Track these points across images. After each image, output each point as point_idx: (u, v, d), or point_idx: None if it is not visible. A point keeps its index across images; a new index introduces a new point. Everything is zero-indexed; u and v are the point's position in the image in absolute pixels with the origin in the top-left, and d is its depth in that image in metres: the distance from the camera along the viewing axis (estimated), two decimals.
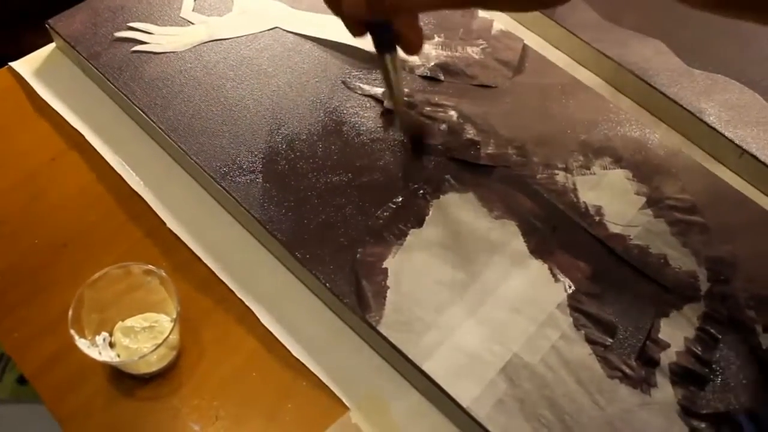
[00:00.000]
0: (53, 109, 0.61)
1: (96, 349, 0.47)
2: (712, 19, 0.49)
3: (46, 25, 0.62)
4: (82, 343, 0.46)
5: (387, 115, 0.58)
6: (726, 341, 0.50)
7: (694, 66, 0.65)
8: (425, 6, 0.46)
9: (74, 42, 0.61)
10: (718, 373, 0.48)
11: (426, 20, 0.66)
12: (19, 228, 0.55)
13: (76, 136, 0.59)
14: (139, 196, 0.56)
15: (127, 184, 0.57)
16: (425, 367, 0.47)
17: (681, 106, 0.62)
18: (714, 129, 0.61)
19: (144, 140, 0.59)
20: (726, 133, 0.60)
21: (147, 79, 0.59)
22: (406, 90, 0.60)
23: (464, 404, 0.46)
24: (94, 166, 0.58)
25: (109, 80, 0.59)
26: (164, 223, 0.55)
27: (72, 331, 0.45)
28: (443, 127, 0.58)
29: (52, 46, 0.65)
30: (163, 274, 0.48)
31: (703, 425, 0.46)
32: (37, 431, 0.92)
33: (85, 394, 0.48)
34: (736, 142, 0.60)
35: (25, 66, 0.63)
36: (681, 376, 0.48)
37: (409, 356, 0.47)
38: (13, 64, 0.63)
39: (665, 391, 0.48)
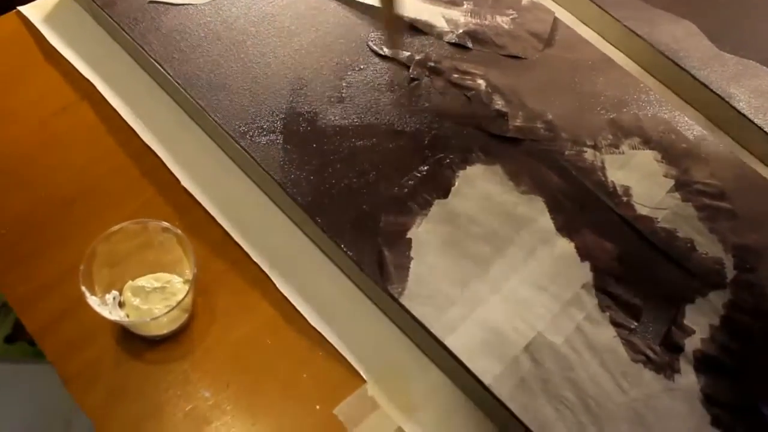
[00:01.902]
0: (63, 57, 0.58)
1: (106, 308, 0.45)
2: (744, 2, 0.48)
3: None
4: (93, 301, 0.44)
5: (413, 81, 0.56)
6: (751, 330, 0.49)
7: (725, 50, 0.63)
8: None
9: None
10: (742, 362, 0.47)
11: None
12: (28, 179, 0.52)
13: (87, 87, 0.57)
14: (152, 152, 0.54)
15: (140, 139, 0.54)
16: (448, 342, 0.45)
17: (710, 89, 0.61)
18: (743, 115, 0.59)
19: (158, 94, 0.57)
20: (756, 120, 0.59)
21: (164, 30, 0.56)
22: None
23: (486, 381, 0.44)
24: (106, 118, 0.55)
25: (124, 30, 0.56)
26: (178, 181, 0.53)
27: (83, 287, 0.43)
28: (471, 94, 0.56)
29: None
30: (180, 232, 0.46)
31: (725, 414, 0.45)
32: (24, 392, 0.90)
33: (93, 353, 0.46)
34: (765, 129, 0.59)
35: (34, 11, 0.60)
36: (705, 363, 0.47)
37: (432, 330, 0.46)
38: (21, 8, 0.60)
39: (689, 377, 0.47)
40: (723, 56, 0.63)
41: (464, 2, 0.62)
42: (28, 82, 0.57)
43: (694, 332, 0.48)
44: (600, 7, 0.64)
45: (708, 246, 0.52)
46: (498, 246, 0.50)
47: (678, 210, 0.54)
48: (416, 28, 0.60)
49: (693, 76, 0.61)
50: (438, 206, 0.51)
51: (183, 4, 0.58)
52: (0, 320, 0.98)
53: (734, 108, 0.60)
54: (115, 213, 0.50)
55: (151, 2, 0.58)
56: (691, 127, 0.58)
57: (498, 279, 0.48)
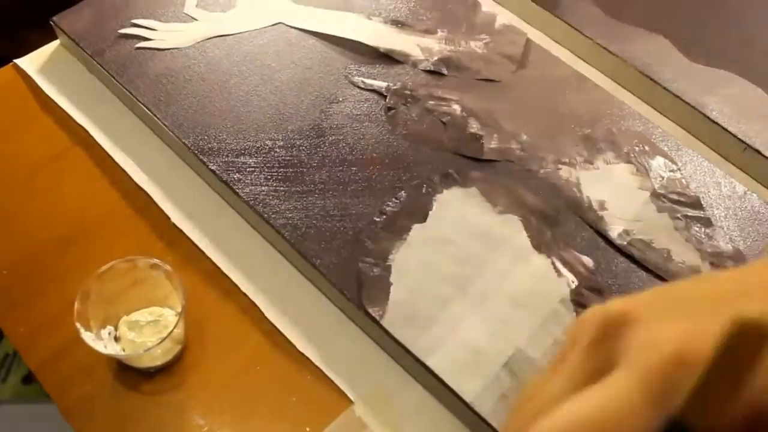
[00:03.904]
0: (58, 105, 0.61)
1: (101, 342, 0.47)
2: (714, 14, 0.49)
3: (51, 22, 0.62)
4: (87, 336, 0.46)
5: (390, 110, 0.59)
6: None
7: (697, 61, 0.65)
8: None
9: (79, 39, 0.61)
10: None
11: (429, 15, 0.66)
12: (25, 223, 0.55)
13: (80, 132, 0.59)
14: (144, 192, 0.56)
15: (132, 180, 0.57)
16: (429, 363, 0.47)
17: (684, 101, 0.62)
18: (717, 124, 0.61)
19: (148, 136, 0.59)
20: (729, 128, 0.60)
21: (151, 75, 0.59)
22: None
23: (467, 399, 0.46)
24: (99, 161, 0.58)
25: (113, 77, 0.59)
26: (169, 218, 0.55)
27: (78, 324, 0.45)
28: (447, 119, 0.58)
29: (56, 43, 0.65)
30: (169, 268, 0.48)
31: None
32: (40, 430, 0.92)
33: (91, 387, 0.48)
34: (740, 136, 0.60)
35: (29, 63, 0.64)
36: None
37: (413, 351, 0.47)
38: (17, 60, 0.64)
39: None
40: (695, 67, 0.64)
41: (438, 30, 0.64)
42: (24, 129, 0.60)
43: None
44: (571, 26, 0.66)
45: (685, 255, 0.53)
46: (476, 266, 0.51)
47: (654, 221, 0.55)
48: (392, 57, 0.62)
49: (666, 89, 0.63)
50: (416, 230, 0.52)
51: (168, 49, 0.61)
52: (18, 362, 1.01)
53: (708, 117, 0.61)
54: (110, 251, 0.53)
55: (138, 48, 0.61)
56: (665, 138, 0.60)
57: (476, 298, 0.50)
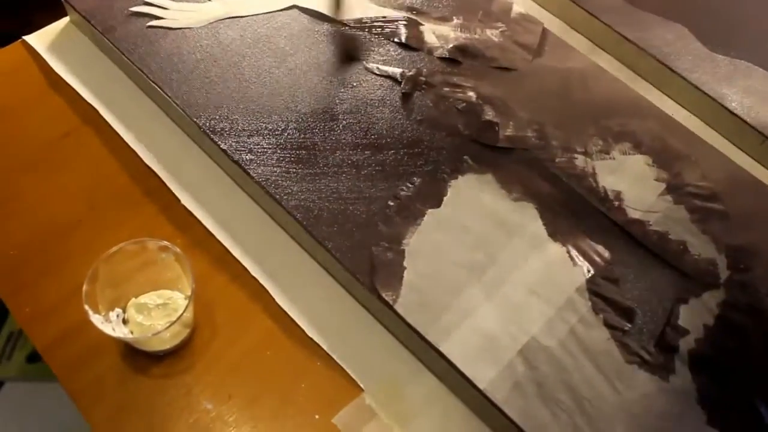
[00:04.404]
0: (67, 83, 0.60)
1: (109, 325, 0.47)
2: (735, 3, 0.49)
3: None
4: (96, 319, 0.45)
5: (405, 95, 0.58)
6: (746, 329, 0.49)
7: (716, 51, 0.64)
8: None
9: (89, 16, 0.60)
10: (737, 361, 0.48)
11: (445, 2, 0.65)
12: (33, 203, 0.54)
13: (90, 112, 0.59)
14: (154, 173, 0.55)
15: (142, 161, 0.56)
16: (442, 348, 0.46)
17: (702, 91, 0.61)
18: (736, 115, 0.60)
19: (158, 116, 0.59)
20: (748, 120, 0.60)
21: (163, 54, 0.58)
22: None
23: (481, 386, 0.45)
24: (108, 141, 0.57)
25: (124, 55, 0.58)
26: (178, 200, 0.54)
27: (86, 306, 0.45)
28: (462, 106, 0.57)
29: (66, 20, 0.64)
30: (178, 250, 0.47)
31: (722, 413, 0.46)
32: (44, 409, 0.92)
33: (98, 370, 0.48)
34: (758, 128, 0.59)
35: (38, 40, 0.63)
36: (700, 363, 0.48)
37: (427, 337, 0.47)
38: (26, 37, 0.63)
39: (684, 377, 0.47)
40: (714, 57, 0.64)
41: (454, 18, 0.64)
42: (33, 108, 0.59)
43: (688, 332, 0.49)
44: (589, 12, 0.65)
45: (701, 247, 0.53)
46: (490, 253, 0.51)
47: (670, 213, 0.54)
48: (407, 44, 0.61)
49: (684, 78, 0.62)
50: (431, 216, 0.52)
51: (180, 28, 0.60)
52: (22, 341, 1.00)
53: (726, 108, 0.60)
54: (119, 233, 0.52)
55: (149, 27, 0.60)
56: (682, 129, 0.59)
57: (491, 285, 0.49)
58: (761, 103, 0.60)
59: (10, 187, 0.55)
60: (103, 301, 0.47)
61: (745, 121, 0.60)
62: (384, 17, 0.62)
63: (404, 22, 0.62)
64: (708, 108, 0.61)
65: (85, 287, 0.45)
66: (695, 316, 0.49)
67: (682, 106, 0.63)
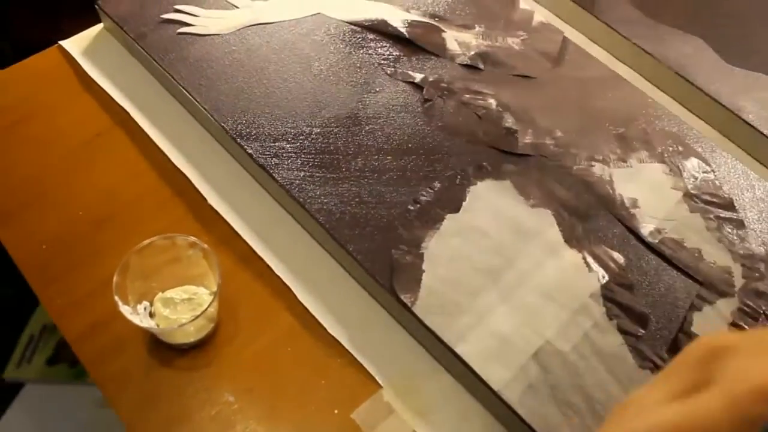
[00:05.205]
0: (100, 86, 0.62)
1: (138, 317, 0.48)
2: (752, 16, 0.49)
3: (96, 6, 0.64)
4: (125, 309, 0.47)
5: (426, 101, 0.59)
6: None
7: (733, 64, 0.64)
8: None
9: (122, 22, 0.62)
10: None
11: (468, 10, 0.66)
12: (65, 199, 0.56)
13: (121, 114, 0.61)
14: (182, 173, 0.57)
15: (170, 161, 0.58)
16: (458, 350, 0.47)
17: (720, 103, 0.62)
18: (753, 127, 0.61)
19: (187, 119, 0.60)
20: (765, 131, 0.60)
21: (192, 60, 0.60)
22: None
23: (495, 387, 0.46)
24: (139, 142, 0.59)
25: (155, 60, 0.60)
26: (205, 200, 0.56)
27: (116, 297, 0.47)
28: (482, 113, 0.59)
29: (99, 26, 0.66)
30: (206, 247, 0.49)
31: None
32: (64, 411, 0.94)
33: (125, 361, 0.49)
34: None
35: (73, 45, 0.65)
36: None
37: (443, 338, 0.48)
38: (62, 42, 0.65)
39: None
40: (732, 70, 0.64)
41: (476, 26, 0.65)
42: (67, 109, 0.61)
43: None
44: (609, 26, 0.66)
45: (716, 255, 0.53)
46: (507, 258, 0.52)
47: (686, 221, 0.55)
48: (429, 50, 0.62)
49: (702, 90, 0.63)
50: (449, 220, 0.53)
51: (209, 35, 0.62)
52: (42, 344, 1.03)
53: (743, 120, 0.61)
54: (147, 230, 0.54)
55: (179, 33, 0.62)
56: (699, 139, 0.59)
57: (507, 289, 0.50)
58: None
59: (45, 183, 0.57)
60: (132, 293, 0.49)
61: (761, 133, 0.60)
62: (409, 21, 0.64)
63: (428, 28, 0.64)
64: (725, 119, 0.62)
65: (115, 278, 0.47)
66: (709, 323, 0.50)
67: (700, 117, 0.64)
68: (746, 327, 0.50)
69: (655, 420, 0.26)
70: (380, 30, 0.63)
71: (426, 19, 0.65)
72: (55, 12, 0.84)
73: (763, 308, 0.51)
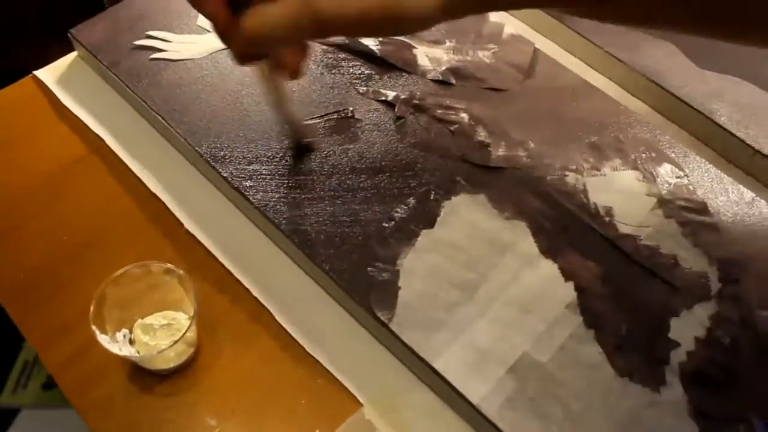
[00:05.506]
0: (75, 114, 0.62)
1: (116, 345, 0.49)
2: None
3: (69, 35, 0.64)
4: (103, 339, 0.47)
5: (399, 119, 0.60)
6: (737, 342, 0.50)
7: (705, 67, 0.65)
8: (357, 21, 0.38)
9: (95, 50, 0.63)
10: (729, 373, 0.49)
11: (437, 26, 0.66)
12: (42, 228, 0.56)
13: (96, 141, 0.61)
14: (158, 198, 0.58)
15: (146, 187, 0.58)
16: (436, 365, 0.48)
17: (692, 107, 0.62)
18: (725, 129, 0.61)
19: (162, 145, 0.61)
20: (737, 133, 0.61)
21: (165, 85, 0.61)
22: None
23: (474, 401, 0.46)
24: (114, 169, 0.60)
25: (128, 87, 0.60)
26: (182, 224, 0.56)
27: (93, 327, 0.47)
28: (454, 128, 0.59)
29: (73, 54, 0.67)
30: (182, 272, 0.49)
31: (714, 426, 0.47)
32: None
33: (107, 388, 0.50)
34: (748, 141, 0.60)
35: (48, 74, 0.65)
36: (691, 375, 0.48)
37: (421, 354, 0.48)
38: (36, 72, 0.65)
39: (676, 390, 0.48)
40: (704, 73, 0.65)
41: (446, 41, 0.65)
42: (42, 138, 0.61)
43: (679, 345, 0.50)
44: (580, 34, 0.67)
45: (692, 260, 0.54)
46: (483, 271, 0.52)
47: (661, 227, 0.55)
48: (400, 67, 0.63)
49: (674, 95, 0.63)
50: (424, 236, 0.53)
51: (182, 60, 0.62)
52: (37, 369, 1.03)
53: (716, 123, 0.62)
54: (125, 256, 0.54)
55: (152, 59, 0.62)
56: (672, 145, 0.60)
57: (484, 302, 0.51)
58: (750, 116, 0.62)
59: (19, 212, 0.57)
60: (110, 322, 0.49)
61: (734, 135, 0.61)
62: (380, 39, 0.64)
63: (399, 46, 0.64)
64: (698, 123, 0.63)
65: (92, 309, 0.47)
66: (687, 328, 0.50)
67: (674, 122, 0.65)
68: (724, 332, 0.50)
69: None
70: (352, 49, 0.64)
71: (397, 37, 0.65)
72: (28, 41, 0.84)
73: (740, 312, 0.51)
